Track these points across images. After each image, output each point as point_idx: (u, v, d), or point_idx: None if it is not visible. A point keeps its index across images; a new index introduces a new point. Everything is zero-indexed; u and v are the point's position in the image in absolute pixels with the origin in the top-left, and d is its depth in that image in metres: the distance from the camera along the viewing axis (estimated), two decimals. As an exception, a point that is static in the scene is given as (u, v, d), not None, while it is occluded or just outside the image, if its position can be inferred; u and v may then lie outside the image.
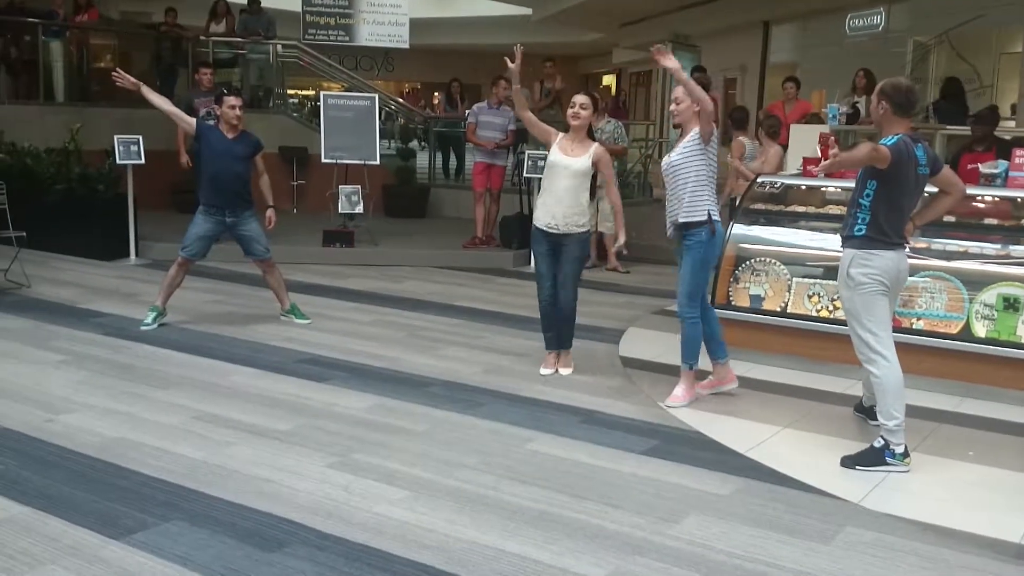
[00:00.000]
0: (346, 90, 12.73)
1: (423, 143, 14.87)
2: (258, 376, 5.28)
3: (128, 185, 8.80)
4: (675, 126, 4.97)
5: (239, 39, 12.57)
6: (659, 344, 6.13)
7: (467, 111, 10.22)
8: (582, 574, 3.08)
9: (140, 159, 8.69)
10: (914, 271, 5.14)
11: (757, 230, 6.08)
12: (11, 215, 7.36)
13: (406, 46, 12.52)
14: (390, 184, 12.01)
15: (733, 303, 5.95)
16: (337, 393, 5.01)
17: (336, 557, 3.14)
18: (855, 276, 4.09)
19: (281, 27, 12.93)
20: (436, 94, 25.05)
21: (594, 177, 5.36)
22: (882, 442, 4.06)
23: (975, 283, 5.30)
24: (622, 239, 5.41)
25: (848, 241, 4.17)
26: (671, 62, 4.63)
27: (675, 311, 5.10)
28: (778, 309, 5.81)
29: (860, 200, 4.11)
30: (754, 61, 15.03)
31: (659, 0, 15.29)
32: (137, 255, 8.89)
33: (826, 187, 6.01)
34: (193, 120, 6.45)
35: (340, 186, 9.56)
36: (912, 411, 4.19)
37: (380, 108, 10.41)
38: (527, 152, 9.33)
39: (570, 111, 5.26)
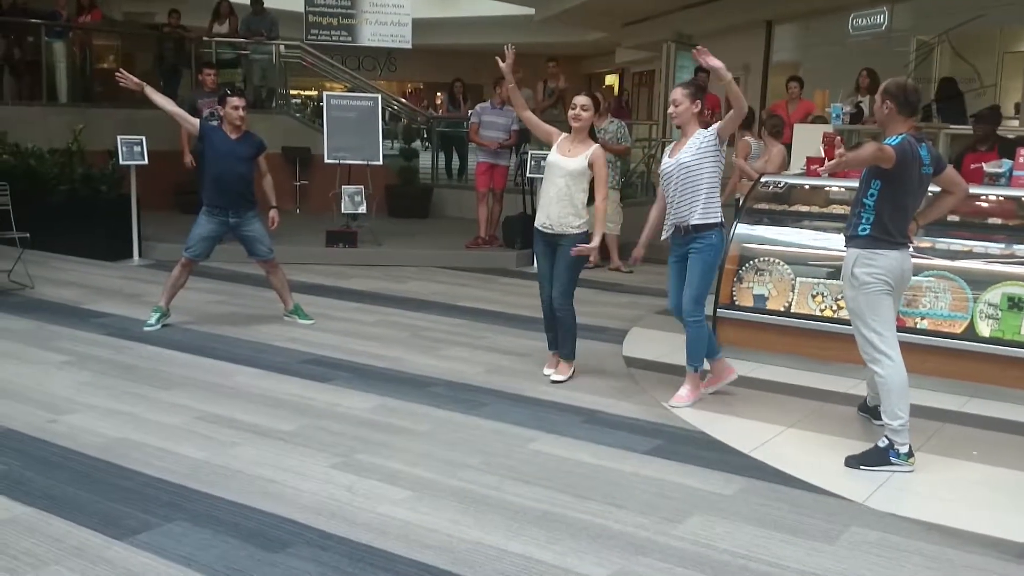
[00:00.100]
0: (349, 90, 12.75)
1: (426, 143, 14.86)
2: (261, 376, 5.29)
3: (131, 186, 8.83)
4: (677, 126, 4.95)
5: (242, 40, 12.57)
6: (662, 344, 6.13)
7: (470, 111, 10.21)
8: (585, 574, 3.08)
9: (143, 160, 8.72)
10: (918, 270, 5.13)
11: (761, 230, 6.07)
12: (15, 216, 7.37)
13: (409, 46, 12.51)
14: (393, 184, 12.01)
15: (737, 303, 5.94)
16: (340, 393, 5.01)
17: (339, 557, 3.14)
18: (859, 276, 4.09)
19: (284, 27, 12.93)
20: (439, 94, 25.07)
21: None
22: (886, 442, 4.05)
23: (979, 282, 5.29)
24: (596, 242, 5.11)
25: (852, 241, 4.17)
26: (714, 61, 4.50)
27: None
28: (782, 309, 5.80)
29: (864, 200, 4.11)
30: (757, 61, 15.01)
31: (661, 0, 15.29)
32: (140, 256, 8.91)
33: (830, 187, 6.00)
34: (196, 121, 6.44)
35: (343, 186, 9.57)
36: (916, 411, 4.19)
37: (383, 108, 10.41)
38: (530, 152, 9.33)
39: (571, 113, 5.21)
